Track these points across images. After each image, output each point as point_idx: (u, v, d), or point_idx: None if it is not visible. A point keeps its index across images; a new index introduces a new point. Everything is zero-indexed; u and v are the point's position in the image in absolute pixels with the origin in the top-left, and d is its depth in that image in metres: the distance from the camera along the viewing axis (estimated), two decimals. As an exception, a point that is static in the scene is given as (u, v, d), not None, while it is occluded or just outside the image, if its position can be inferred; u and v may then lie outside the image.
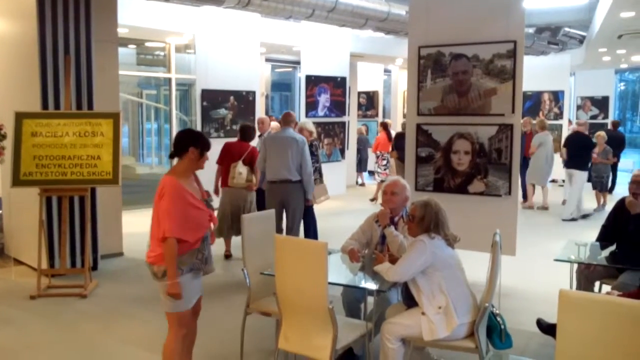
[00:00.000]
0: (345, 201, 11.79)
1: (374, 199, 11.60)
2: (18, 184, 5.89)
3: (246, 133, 7.31)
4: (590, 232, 6.78)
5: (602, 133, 11.06)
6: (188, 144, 3.44)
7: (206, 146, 3.52)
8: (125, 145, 11.27)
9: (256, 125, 8.03)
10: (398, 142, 13.29)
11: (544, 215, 10.52)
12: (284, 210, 6.54)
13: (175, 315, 3.51)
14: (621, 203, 5.06)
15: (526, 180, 11.01)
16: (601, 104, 17.45)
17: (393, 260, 3.81)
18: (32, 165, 5.89)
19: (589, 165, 10.34)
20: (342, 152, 12.37)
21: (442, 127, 5.92)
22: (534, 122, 11.84)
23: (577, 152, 10.08)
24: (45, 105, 6.27)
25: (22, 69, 6.68)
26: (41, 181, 5.90)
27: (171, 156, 3.51)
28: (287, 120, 6.75)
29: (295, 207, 6.54)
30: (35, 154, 5.91)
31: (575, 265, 4.80)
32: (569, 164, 10.20)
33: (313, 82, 11.52)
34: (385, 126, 12.60)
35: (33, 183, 5.91)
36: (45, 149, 5.94)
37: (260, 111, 11.38)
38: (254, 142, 7.63)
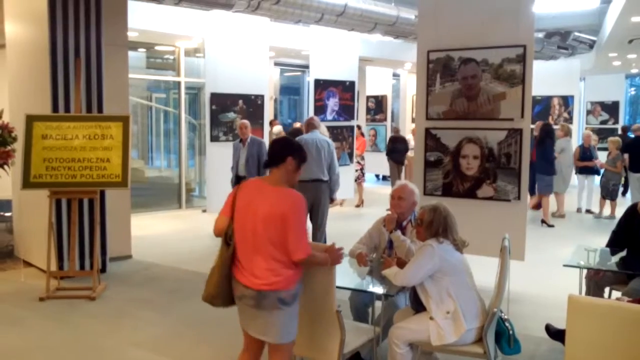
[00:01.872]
0: (353, 205, 11.78)
1: (358, 205, 11.90)
2: (28, 186, 5.93)
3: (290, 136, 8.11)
4: (600, 238, 6.73)
5: (616, 138, 10.85)
6: (287, 154, 3.16)
7: (304, 158, 3.26)
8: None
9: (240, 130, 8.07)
10: (392, 145, 13.54)
11: (554, 221, 10.43)
12: (312, 209, 6.90)
13: (288, 345, 3.22)
14: (632, 209, 5.03)
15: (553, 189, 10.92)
16: (611, 109, 17.34)
17: (401, 264, 3.80)
18: (42, 168, 5.92)
19: None
20: (351, 156, 12.35)
21: (451, 132, 5.91)
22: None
23: None
24: (55, 108, 6.32)
25: (33, 72, 6.73)
26: (51, 183, 5.94)
27: (266, 165, 3.22)
28: (312, 124, 7.32)
29: (324, 205, 7.01)
30: (45, 157, 5.94)
31: (585, 271, 4.77)
32: (636, 168, 10.09)
33: (322, 86, 11.51)
34: (360, 129, 12.89)
35: (43, 185, 5.94)
36: (56, 152, 5.97)
37: (269, 115, 11.39)
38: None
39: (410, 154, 11.86)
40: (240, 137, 8.01)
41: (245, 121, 8.12)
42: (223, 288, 3.17)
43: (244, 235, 3.10)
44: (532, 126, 9.96)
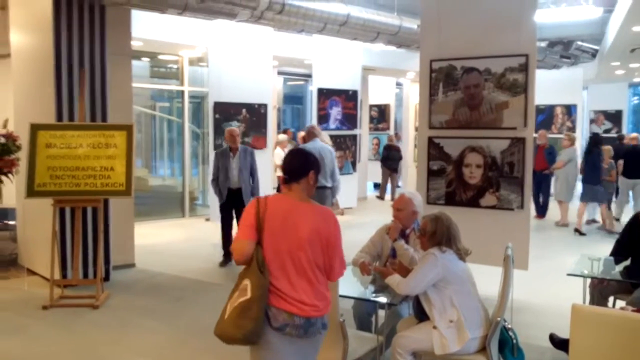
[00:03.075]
0: (356, 214, 11.77)
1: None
2: (32, 194, 5.95)
3: None
4: (604, 247, 6.72)
5: (607, 147, 10.84)
6: (309, 168, 2.96)
7: (320, 169, 3.09)
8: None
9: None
10: (387, 153, 14.07)
11: (558, 230, 10.42)
12: None
13: None
14: (636, 218, 5.02)
15: (554, 197, 10.94)
16: (614, 117, 17.34)
17: (402, 270, 3.80)
18: (46, 176, 5.94)
19: None
20: (354, 164, 12.37)
21: (453, 141, 5.91)
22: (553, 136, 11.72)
23: (638, 162, 10.22)
24: (59, 117, 6.35)
25: (37, 81, 6.77)
26: (55, 192, 5.95)
27: (287, 181, 2.97)
28: (313, 133, 7.55)
29: None
30: (49, 165, 5.96)
31: (589, 280, 4.76)
32: (632, 174, 10.20)
33: (325, 95, 11.55)
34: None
35: (47, 194, 5.96)
36: (60, 160, 5.99)
37: (272, 124, 11.41)
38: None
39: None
40: (229, 146, 7.43)
41: (235, 128, 7.70)
42: (262, 322, 2.75)
43: (280, 258, 2.81)
44: (535, 135, 9.98)
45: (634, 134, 11.64)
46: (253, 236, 2.83)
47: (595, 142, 10.22)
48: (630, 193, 10.66)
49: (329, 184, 7.33)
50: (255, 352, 2.87)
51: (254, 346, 2.84)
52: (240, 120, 10.06)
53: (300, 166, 2.97)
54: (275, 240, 2.82)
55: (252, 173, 7.43)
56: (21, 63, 7.24)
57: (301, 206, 2.91)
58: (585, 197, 10.04)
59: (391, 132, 15.65)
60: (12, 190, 7.12)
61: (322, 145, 7.42)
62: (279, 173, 10.70)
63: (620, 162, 10.43)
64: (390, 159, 14.04)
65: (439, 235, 3.64)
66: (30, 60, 7.04)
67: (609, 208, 10.44)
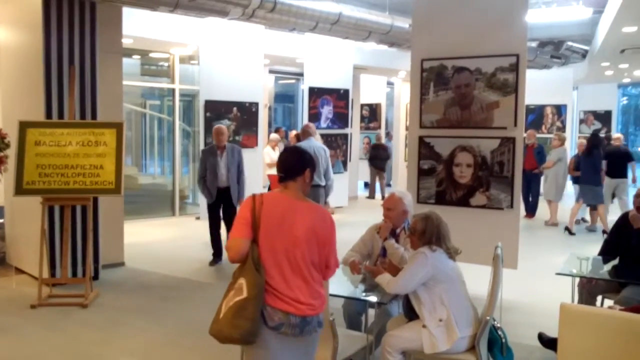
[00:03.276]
0: (346, 213, 11.78)
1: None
2: (21, 192, 5.90)
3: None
4: (593, 246, 6.76)
5: None
6: (305, 166, 2.95)
7: (315, 167, 3.08)
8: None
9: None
10: (374, 152, 14.32)
11: (547, 229, 10.48)
12: None
13: None
14: (624, 217, 5.05)
15: (544, 197, 10.99)
16: (604, 118, 17.46)
17: (392, 269, 3.81)
18: (35, 174, 5.90)
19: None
20: (345, 164, 12.38)
21: (444, 140, 5.93)
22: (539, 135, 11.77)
23: (622, 163, 10.33)
24: (49, 115, 6.31)
25: (27, 78, 6.72)
26: (44, 190, 5.91)
27: (282, 179, 2.95)
28: (308, 132, 7.77)
29: None
30: (38, 163, 5.93)
31: (577, 279, 4.79)
32: (616, 174, 10.27)
33: (316, 93, 11.55)
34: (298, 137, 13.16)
35: (36, 192, 5.92)
36: (49, 158, 5.96)
37: (263, 122, 11.39)
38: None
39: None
40: (216, 144, 7.30)
41: (222, 126, 7.57)
42: (258, 321, 2.72)
43: (276, 256, 2.78)
44: (524, 135, 10.03)
45: (618, 135, 11.72)
46: (248, 234, 2.80)
47: (595, 143, 10.17)
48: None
49: (322, 183, 7.52)
50: (251, 351, 2.82)
51: (249, 345, 2.80)
52: (231, 119, 10.05)
53: (296, 164, 2.95)
54: (271, 238, 2.79)
55: (239, 172, 7.31)
56: (10, 60, 7.18)
57: (298, 204, 2.88)
58: (586, 199, 10.03)
59: (382, 131, 15.68)
60: (0, 188, 7.07)
61: (317, 144, 7.63)
62: (269, 172, 10.69)
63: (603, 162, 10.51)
64: (377, 158, 14.19)
65: (429, 234, 3.65)
66: (19, 57, 6.98)
67: (596, 208, 10.48)
